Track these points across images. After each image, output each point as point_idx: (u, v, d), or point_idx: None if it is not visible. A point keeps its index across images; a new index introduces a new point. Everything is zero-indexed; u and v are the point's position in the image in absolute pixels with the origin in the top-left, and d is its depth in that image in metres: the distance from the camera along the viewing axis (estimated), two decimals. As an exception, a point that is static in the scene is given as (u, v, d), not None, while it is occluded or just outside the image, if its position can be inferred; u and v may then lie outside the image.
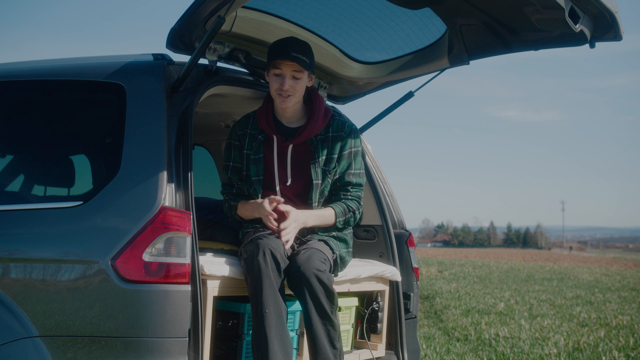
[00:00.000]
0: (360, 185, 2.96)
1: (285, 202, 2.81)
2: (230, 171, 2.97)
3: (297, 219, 2.76)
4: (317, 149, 2.89)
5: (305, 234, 2.88)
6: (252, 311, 2.60)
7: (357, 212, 2.94)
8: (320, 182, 2.88)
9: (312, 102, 2.95)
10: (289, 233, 2.72)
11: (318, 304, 2.64)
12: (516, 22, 2.90)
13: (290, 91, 2.82)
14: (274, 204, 2.77)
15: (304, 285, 2.63)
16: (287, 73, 2.80)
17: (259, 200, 2.85)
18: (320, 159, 2.88)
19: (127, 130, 2.51)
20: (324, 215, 2.87)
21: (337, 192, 2.93)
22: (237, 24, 2.98)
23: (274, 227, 2.74)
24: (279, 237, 2.70)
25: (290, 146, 2.90)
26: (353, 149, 2.94)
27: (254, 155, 2.91)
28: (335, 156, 2.90)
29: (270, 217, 2.75)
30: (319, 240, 2.84)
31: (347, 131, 2.94)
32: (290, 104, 2.86)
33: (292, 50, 2.78)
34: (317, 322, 2.66)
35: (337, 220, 2.88)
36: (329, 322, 2.67)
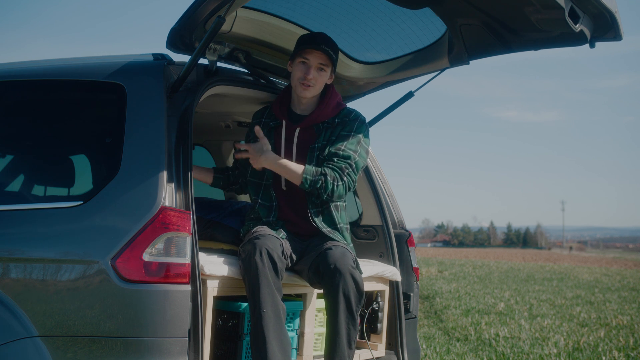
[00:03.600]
0: (347, 158, 2.82)
1: (292, 187, 2.88)
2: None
3: (269, 149, 2.83)
4: (321, 135, 2.92)
5: (310, 233, 2.89)
6: (250, 311, 2.60)
7: (329, 179, 2.76)
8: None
9: (326, 93, 3.00)
10: (259, 150, 2.81)
11: (348, 301, 2.66)
12: (516, 22, 2.90)
13: (313, 82, 2.89)
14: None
15: (340, 281, 2.64)
16: (313, 63, 2.89)
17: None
18: (320, 145, 2.90)
19: (127, 130, 2.51)
20: (292, 165, 2.81)
21: (321, 164, 2.87)
22: (237, 24, 2.98)
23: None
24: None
25: (297, 129, 2.93)
26: (352, 132, 2.91)
27: None
28: (334, 138, 2.90)
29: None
30: (335, 230, 2.87)
31: (352, 117, 2.96)
32: (310, 94, 2.93)
33: (322, 43, 2.89)
34: (342, 320, 2.67)
35: (304, 176, 2.76)
36: (352, 322, 2.69)
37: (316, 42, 2.88)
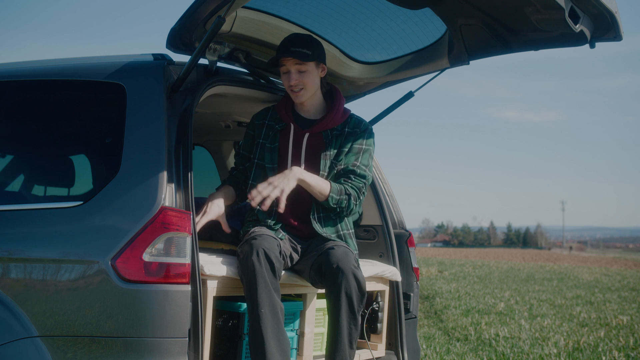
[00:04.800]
0: (363, 177, 2.90)
1: (293, 191, 2.83)
2: (238, 157, 3.08)
3: (290, 171, 2.74)
4: (331, 143, 2.92)
5: (310, 235, 2.89)
6: (248, 312, 2.60)
7: (352, 200, 2.85)
8: (326, 174, 2.89)
9: (333, 97, 3.00)
10: (277, 183, 2.69)
11: (350, 301, 2.66)
12: (516, 22, 2.90)
13: (299, 85, 2.88)
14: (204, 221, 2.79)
15: (342, 280, 2.64)
16: (290, 68, 2.86)
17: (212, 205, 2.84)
18: (331, 152, 2.90)
19: (127, 130, 2.51)
20: (320, 183, 2.80)
21: (338, 179, 2.90)
22: (237, 24, 2.98)
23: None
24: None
25: (306, 135, 2.93)
26: (364, 146, 2.95)
27: (269, 144, 2.95)
28: (346, 150, 2.92)
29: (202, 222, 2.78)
30: (337, 238, 2.87)
31: (362, 129, 2.97)
32: (304, 98, 2.91)
33: (291, 46, 2.85)
34: (344, 320, 2.67)
35: (330, 195, 2.80)
36: (354, 322, 2.69)
37: (285, 48, 2.86)
